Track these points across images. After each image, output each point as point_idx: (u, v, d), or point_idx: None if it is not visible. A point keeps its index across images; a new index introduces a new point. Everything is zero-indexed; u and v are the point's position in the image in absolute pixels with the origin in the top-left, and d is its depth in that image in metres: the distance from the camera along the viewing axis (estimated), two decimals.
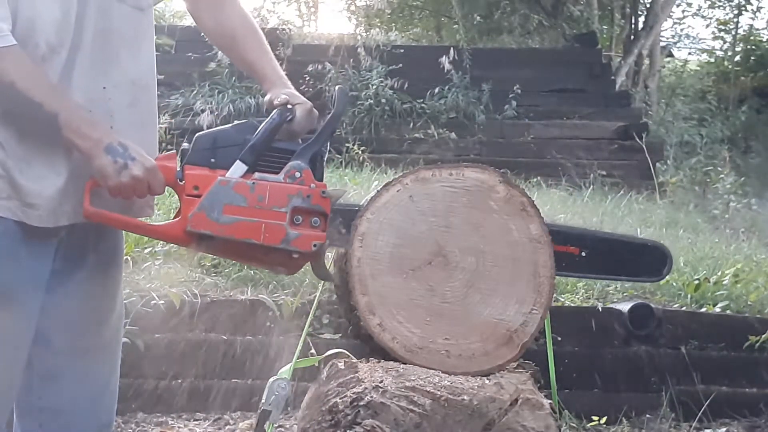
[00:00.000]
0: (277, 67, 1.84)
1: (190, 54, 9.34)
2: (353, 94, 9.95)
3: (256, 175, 1.64)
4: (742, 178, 9.85)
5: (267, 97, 1.76)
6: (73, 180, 1.62)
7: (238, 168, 1.63)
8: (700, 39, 19.32)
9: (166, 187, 1.66)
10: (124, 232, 1.86)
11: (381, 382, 1.56)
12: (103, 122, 1.62)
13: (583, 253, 1.83)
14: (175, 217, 1.68)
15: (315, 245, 1.64)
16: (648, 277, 1.97)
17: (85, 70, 1.63)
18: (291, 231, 1.63)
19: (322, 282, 1.85)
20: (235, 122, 1.74)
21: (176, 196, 1.68)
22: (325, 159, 1.72)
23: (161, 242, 4.13)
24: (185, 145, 1.68)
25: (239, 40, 1.84)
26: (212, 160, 1.65)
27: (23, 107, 1.53)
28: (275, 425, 1.73)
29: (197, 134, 1.70)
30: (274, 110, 1.70)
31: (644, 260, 1.93)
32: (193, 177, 1.64)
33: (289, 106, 1.71)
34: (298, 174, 1.64)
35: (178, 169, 1.65)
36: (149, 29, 1.77)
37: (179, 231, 1.64)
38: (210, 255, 1.97)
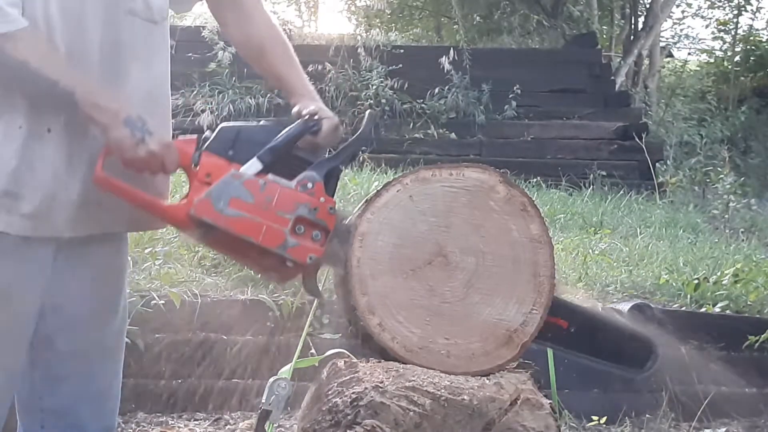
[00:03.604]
0: (305, 80, 1.84)
1: (190, 54, 9.35)
2: (353, 94, 9.96)
3: (270, 176, 1.63)
4: (742, 178, 9.86)
5: (295, 109, 1.76)
6: (79, 189, 1.62)
7: (254, 165, 1.63)
8: (700, 39, 19.29)
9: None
10: (128, 238, 1.86)
11: (381, 381, 1.56)
12: (120, 95, 1.62)
13: (572, 329, 1.82)
14: (181, 201, 1.67)
15: (311, 258, 1.63)
16: (630, 367, 1.94)
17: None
18: (290, 239, 1.62)
19: (322, 282, 1.85)
20: (262, 121, 1.74)
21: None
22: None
23: (161, 243, 4.14)
24: (207, 133, 1.69)
25: (267, 52, 1.83)
26: (230, 152, 1.64)
27: (39, 88, 1.53)
28: (275, 425, 1.73)
29: (221, 124, 1.71)
30: (301, 119, 1.70)
31: (631, 350, 1.90)
32: (208, 164, 1.64)
33: (316, 118, 1.71)
34: (310, 185, 1.64)
35: (196, 154, 1.65)
36: (163, 42, 1.76)
37: (182, 214, 1.63)
38: (206, 247, 1.96)
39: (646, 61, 14.79)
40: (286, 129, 1.68)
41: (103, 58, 1.63)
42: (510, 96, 10.19)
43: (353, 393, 1.54)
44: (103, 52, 1.63)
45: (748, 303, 4.29)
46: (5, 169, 1.57)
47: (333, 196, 1.67)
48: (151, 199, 1.67)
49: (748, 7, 16.64)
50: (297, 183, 1.64)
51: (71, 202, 1.62)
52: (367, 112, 1.78)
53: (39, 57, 1.52)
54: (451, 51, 10.36)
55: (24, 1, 1.53)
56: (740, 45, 16.75)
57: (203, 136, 1.68)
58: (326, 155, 1.72)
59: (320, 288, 1.76)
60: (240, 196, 1.61)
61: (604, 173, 9.60)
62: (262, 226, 1.61)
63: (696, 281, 4.42)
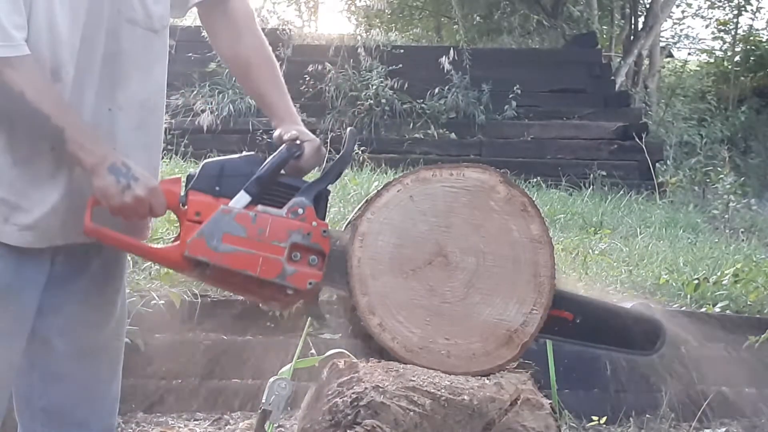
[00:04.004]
0: (288, 103, 1.83)
1: (190, 54, 9.35)
2: (353, 94, 9.96)
3: (259, 207, 1.63)
4: (742, 178, 9.88)
5: (276, 133, 1.76)
6: (71, 201, 1.63)
7: (242, 198, 1.63)
8: (700, 39, 19.25)
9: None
10: None
11: (381, 382, 1.56)
12: (107, 141, 1.62)
13: (578, 320, 1.81)
14: (174, 242, 1.68)
15: (310, 283, 1.63)
16: (640, 350, 1.94)
17: (94, 91, 1.63)
18: (288, 267, 1.62)
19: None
20: (244, 153, 1.73)
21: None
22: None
23: (161, 243, 4.14)
24: (191, 171, 1.68)
25: (254, 72, 1.83)
26: (217, 188, 1.64)
27: (30, 119, 1.54)
28: (275, 425, 1.73)
29: (205, 161, 1.70)
30: (283, 145, 1.69)
31: (638, 333, 1.89)
32: (196, 203, 1.63)
33: (297, 143, 1.70)
34: (300, 210, 1.64)
35: (182, 193, 1.65)
36: (162, 51, 1.76)
37: (177, 255, 1.63)
38: (206, 284, 2.00)
39: (646, 61, 14.79)
40: (270, 157, 1.67)
41: (104, 66, 1.63)
42: (510, 96, 10.20)
43: (353, 393, 1.54)
44: (104, 61, 1.63)
45: (748, 303, 4.30)
46: (4, 178, 1.58)
47: (324, 218, 1.66)
48: (143, 245, 1.69)
49: (748, 7, 16.64)
50: (287, 210, 1.63)
51: (69, 213, 1.63)
52: (348, 130, 1.78)
53: (35, 89, 1.53)
54: (451, 51, 10.37)
55: (30, 13, 1.53)
56: (740, 45, 16.75)
57: (188, 174, 1.68)
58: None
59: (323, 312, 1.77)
60: (232, 231, 1.61)
61: (604, 173, 9.61)
62: (258, 257, 1.61)
63: (696, 281, 4.42)
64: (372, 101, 9.83)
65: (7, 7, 1.49)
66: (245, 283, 1.65)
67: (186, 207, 1.64)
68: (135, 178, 1.58)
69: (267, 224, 1.62)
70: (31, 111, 1.52)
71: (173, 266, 1.70)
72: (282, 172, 1.67)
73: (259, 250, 1.61)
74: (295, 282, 1.62)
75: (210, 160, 1.70)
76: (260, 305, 1.75)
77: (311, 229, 1.63)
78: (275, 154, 1.67)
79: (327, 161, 1.80)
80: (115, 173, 1.57)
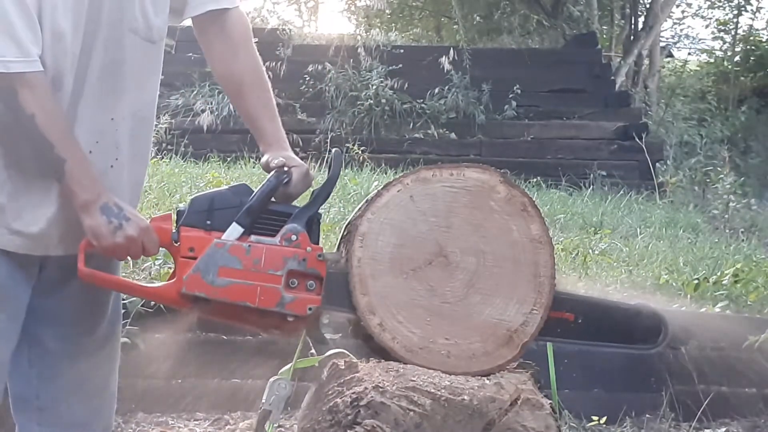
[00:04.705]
0: (278, 127, 1.82)
1: (190, 54, 9.32)
2: (353, 94, 9.96)
3: (252, 237, 1.63)
4: (742, 178, 9.89)
5: (263, 159, 1.76)
6: (69, 211, 1.62)
7: (234, 230, 1.63)
8: (700, 39, 19.29)
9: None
10: None
11: (381, 382, 1.56)
12: (102, 179, 1.62)
13: (579, 320, 1.81)
14: (169, 279, 1.68)
15: (310, 309, 1.64)
16: (643, 344, 1.95)
17: (93, 100, 1.63)
18: (286, 294, 1.63)
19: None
20: (232, 184, 1.73)
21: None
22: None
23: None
24: (181, 206, 1.69)
25: (245, 92, 1.81)
26: (208, 222, 1.64)
27: (34, 141, 1.54)
28: (275, 425, 1.73)
29: (193, 196, 1.71)
30: (271, 173, 1.70)
31: (640, 328, 1.90)
32: (189, 239, 1.64)
33: (285, 169, 1.70)
34: (294, 237, 1.64)
35: (174, 230, 1.65)
36: (158, 62, 1.75)
37: (174, 293, 1.64)
38: (205, 318, 2.02)
39: (646, 61, 14.79)
40: (259, 187, 1.67)
41: (102, 75, 1.63)
42: (510, 96, 10.21)
43: (353, 393, 1.54)
44: (103, 70, 1.63)
45: (748, 303, 4.30)
46: None
47: (318, 242, 1.67)
48: (139, 285, 1.71)
49: (748, 7, 16.67)
50: (281, 238, 1.64)
51: (69, 224, 1.63)
52: (334, 150, 1.79)
53: (46, 115, 1.53)
54: (451, 51, 10.38)
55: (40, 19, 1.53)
56: (740, 45, 16.77)
57: (177, 210, 1.68)
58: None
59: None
60: (228, 264, 1.61)
61: (604, 173, 9.62)
62: (256, 288, 1.61)
63: (696, 281, 4.42)
64: (372, 101, 9.83)
65: (23, 22, 1.50)
66: (245, 315, 1.65)
67: (179, 243, 1.64)
68: (126, 218, 1.59)
69: (262, 254, 1.62)
70: (37, 135, 1.53)
71: (171, 304, 1.70)
72: (272, 200, 1.68)
73: (256, 281, 1.61)
74: (294, 309, 1.63)
75: (198, 194, 1.71)
76: (262, 334, 1.75)
77: (306, 255, 1.64)
78: (264, 183, 1.68)
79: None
80: (107, 213, 1.57)
